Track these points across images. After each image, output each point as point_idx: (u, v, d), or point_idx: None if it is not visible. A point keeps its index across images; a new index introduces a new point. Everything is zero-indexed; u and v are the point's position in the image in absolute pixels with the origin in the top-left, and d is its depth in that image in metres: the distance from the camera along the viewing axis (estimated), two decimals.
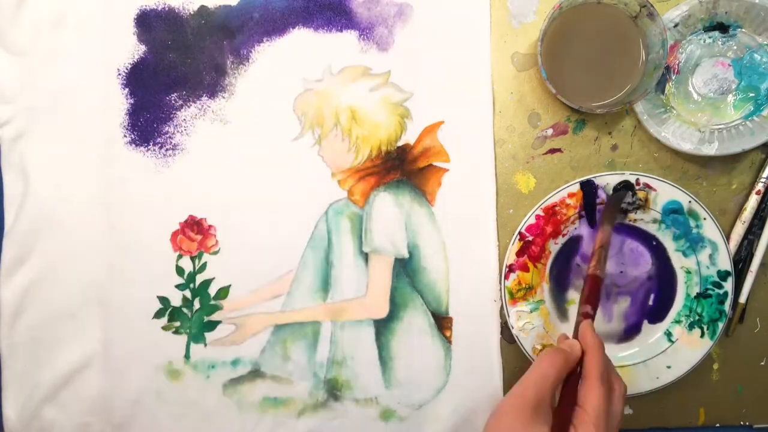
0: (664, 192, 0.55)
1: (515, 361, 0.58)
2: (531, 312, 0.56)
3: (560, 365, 0.44)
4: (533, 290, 0.56)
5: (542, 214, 0.56)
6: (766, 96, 0.55)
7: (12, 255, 0.57)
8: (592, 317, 0.48)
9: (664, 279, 0.57)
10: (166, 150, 0.57)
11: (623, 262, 0.57)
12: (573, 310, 0.57)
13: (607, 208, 0.54)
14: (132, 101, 0.57)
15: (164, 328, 0.57)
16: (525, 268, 0.56)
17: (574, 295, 0.57)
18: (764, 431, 0.59)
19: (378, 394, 0.57)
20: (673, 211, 0.55)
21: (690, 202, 0.55)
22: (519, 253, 0.56)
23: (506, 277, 0.56)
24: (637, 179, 0.55)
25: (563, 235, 0.56)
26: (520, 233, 0.56)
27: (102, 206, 0.57)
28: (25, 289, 0.57)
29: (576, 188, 0.55)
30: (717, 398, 0.58)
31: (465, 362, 0.57)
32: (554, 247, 0.57)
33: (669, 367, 0.56)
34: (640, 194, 0.55)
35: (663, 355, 0.56)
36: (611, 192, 0.55)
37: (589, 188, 0.55)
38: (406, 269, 0.57)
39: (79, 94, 0.57)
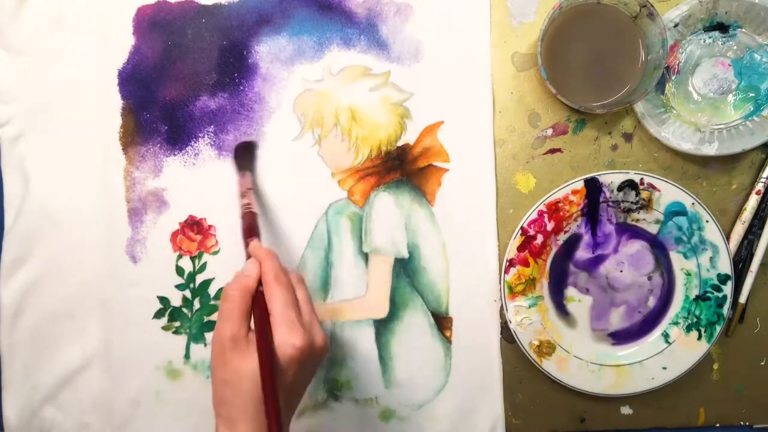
0: (668, 193, 0.55)
1: (515, 361, 0.58)
2: (529, 307, 0.56)
3: (240, 293, 0.44)
4: (532, 285, 0.56)
5: (545, 210, 0.56)
6: (766, 96, 0.55)
7: (12, 255, 0.57)
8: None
9: (663, 280, 0.57)
10: (166, 150, 0.57)
11: (623, 261, 0.57)
12: (572, 307, 0.57)
13: (237, 157, 0.56)
14: (131, 101, 0.57)
15: (164, 328, 0.57)
16: (525, 263, 0.56)
17: (573, 292, 0.57)
18: (764, 431, 0.59)
19: (378, 394, 0.57)
20: (676, 212, 0.55)
21: (693, 204, 0.55)
22: (520, 248, 0.56)
23: (506, 271, 0.56)
24: (642, 179, 0.55)
25: (565, 232, 0.56)
26: (522, 228, 0.56)
27: (102, 206, 0.57)
28: (25, 289, 0.57)
29: (580, 185, 0.55)
30: (717, 398, 0.58)
31: (465, 362, 0.57)
32: (555, 243, 0.57)
33: (665, 368, 0.56)
34: (644, 194, 0.55)
35: (659, 356, 0.56)
36: (616, 189, 0.55)
37: (593, 186, 0.55)
38: (406, 269, 0.57)
39: (79, 94, 0.57)
